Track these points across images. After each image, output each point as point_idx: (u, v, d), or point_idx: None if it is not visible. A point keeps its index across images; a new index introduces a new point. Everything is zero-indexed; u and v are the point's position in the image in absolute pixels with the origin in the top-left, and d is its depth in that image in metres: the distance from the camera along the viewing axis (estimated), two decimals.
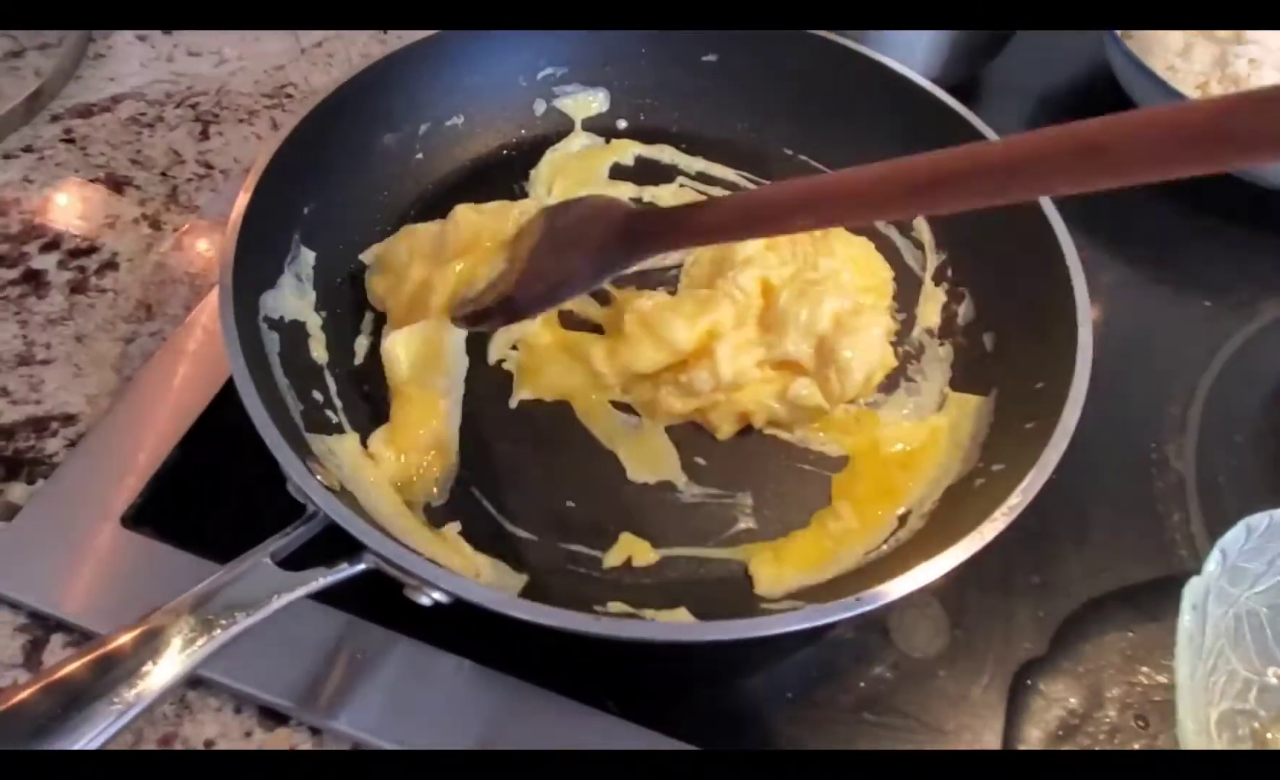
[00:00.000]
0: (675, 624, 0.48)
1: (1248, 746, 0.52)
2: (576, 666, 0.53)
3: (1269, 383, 0.72)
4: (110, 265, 0.73)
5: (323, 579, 0.48)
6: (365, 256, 0.70)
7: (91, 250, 0.74)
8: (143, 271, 0.73)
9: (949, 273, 0.72)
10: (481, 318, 0.61)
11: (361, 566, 0.49)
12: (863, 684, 0.55)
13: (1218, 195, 0.82)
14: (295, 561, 0.49)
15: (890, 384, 0.67)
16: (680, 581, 0.57)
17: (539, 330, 0.67)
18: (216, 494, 0.60)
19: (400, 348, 0.63)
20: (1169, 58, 0.85)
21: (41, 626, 0.55)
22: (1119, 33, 0.86)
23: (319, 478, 0.52)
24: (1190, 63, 0.83)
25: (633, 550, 0.57)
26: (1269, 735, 0.52)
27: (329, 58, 0.92)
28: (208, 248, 0.74)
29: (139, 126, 0.84)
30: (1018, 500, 0.50)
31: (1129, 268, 0.81)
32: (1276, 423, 0.69)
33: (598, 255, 0.57)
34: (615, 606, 0.53)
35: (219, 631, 0.44)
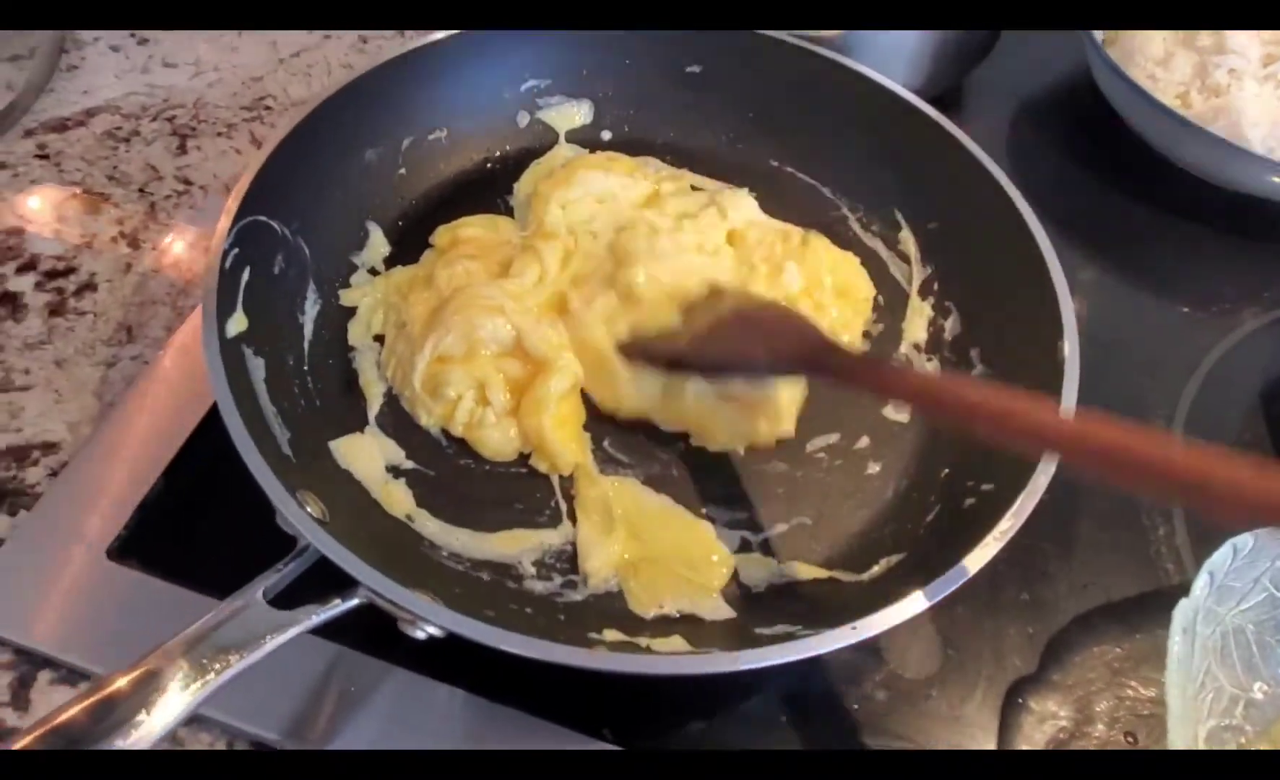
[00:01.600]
0: (670, 658, 0.48)
1: None
2: (571, 693, 0.53)
3: (1251, 392, 0.72)
4: (89, 286, 0.72)
5: (316, 616, 0.47)
6: (345, 299, 0.69)
7: (69, 271, 0.73)
8: (122, 292, 0.71)
9: (935, 287, 0.73)
10: (647, 358, 0.62)
11: (355, 601, 0.48)
12: (856, 706, 0.55)
13: (1198, 203, 0.83)
14: (288, 596, 0.49)
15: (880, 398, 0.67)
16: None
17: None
18: (203, 524, 0.59)
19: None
20: (1149, 67, 0.85)
21: (28, 662, 0.54)
22: (1100, 41, 0.86)
23: (309, 509, 0.52)
24: (1170, 72, 0.84)
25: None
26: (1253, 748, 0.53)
27: (308, 69, 0.90)
28: (189, 267, 0.73)
29: (115, 141, 0.82)
30: (1009, 525, 0.51)
31: (1111, 274, 0.81)
32: (1259, 433, 0.70)
33: (778, 361, 0.59)
34: (610, 634, 0.53)
35: (213, 674, 0.44)
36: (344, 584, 0.48)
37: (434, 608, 0.47)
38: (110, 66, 0.89)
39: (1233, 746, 0.53)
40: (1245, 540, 0.52)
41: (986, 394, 0.53)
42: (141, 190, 0.79)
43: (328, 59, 0.91)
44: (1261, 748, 0.53)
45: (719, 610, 0.56)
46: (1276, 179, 0.77)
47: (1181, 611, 0.49)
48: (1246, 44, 0.81)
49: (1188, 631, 0.49)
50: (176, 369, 0.66)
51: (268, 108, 0.87)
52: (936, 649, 0.57)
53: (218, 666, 0.44)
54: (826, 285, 0.71)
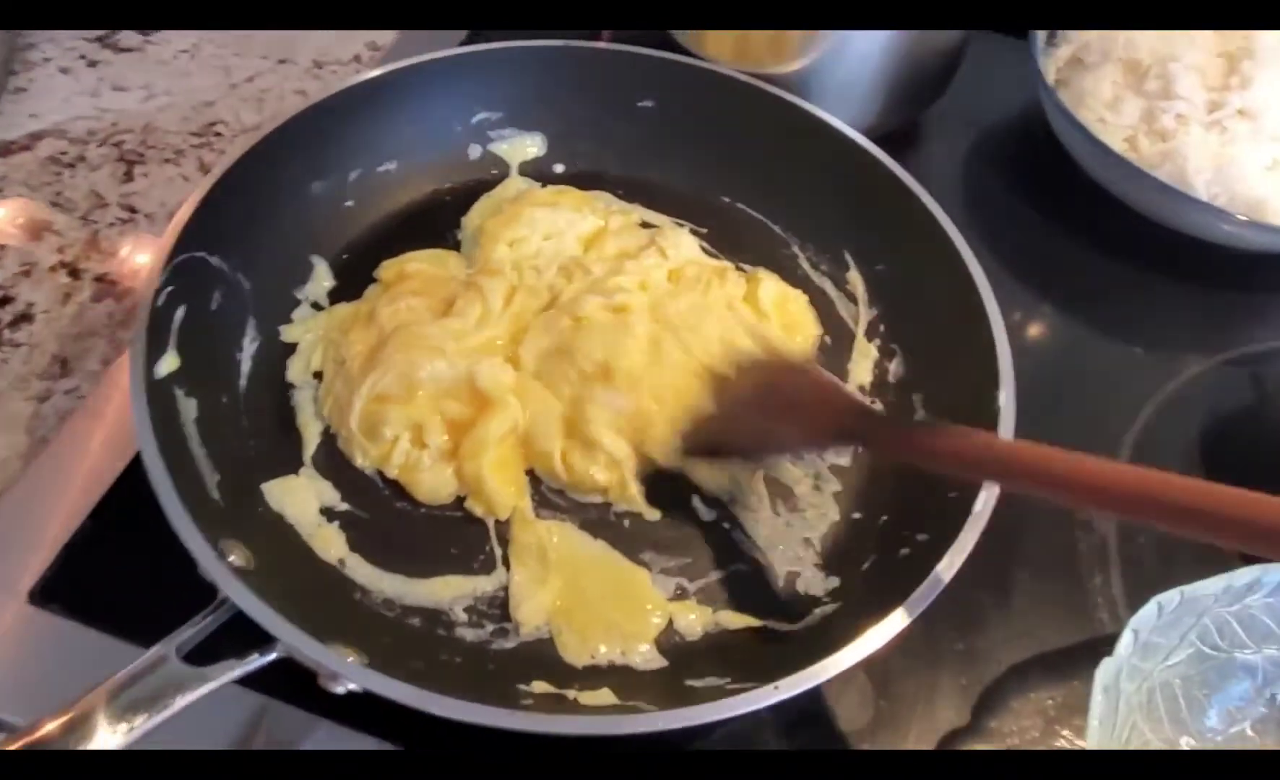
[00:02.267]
0: (596, 719, 0.48)
1: None
2: (501, 743, 0.53)
3: (1191, 438, 0.73)
4: (25, 317, 0.71)
5: (231, 672, 0.47)
6: (286, 336, 0.68)
7: (6, 301, 0.71)
8: (60, 324, 0.70)
9: (882, 329, 0.73)
10: (699, 452, 0.62)
11: (273, 655, 0.48)
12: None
13: (1147, 245, 0.84)
14: (209, 647, 0.48)
15: None
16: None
17: None
18: (129, 569, 0.58)
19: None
20: (1099, 109, 0.86)
21: None
22: (1052, 83, 0.87)
23: (232, 558, 0.51)
24: (1119, 115, 0.85)
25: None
26: None
27: (261, 94, 0.90)
28: (129, 300, 0.72)
29: (59, 166, 0.81)
30: (939, 580, 0.51)
31: (1060, 314, 0.82)
32: (1197, 475, 0.70)
33: (813, 435, 0.60)
34: (539, 686, 0.53)
35: (121, 735, 0.43)
36: (264, 637, 0.48)
37: (352, 667, 0.46)
38: (59, 89, 0.88)
39: None
40: (1171, 596, 0.52)
41: (1034, 457, 0.49)
42: (85, 218, 0.78)
43: (282, 85, 0.91)
44: None
45: (652, 660, 0.56)
46: (1222, 225, 0.78)
47: (1103, 670, 0.49)
48: (1192, 89, 0.82)
49: (1109, 689, 0.49)
50: (111, 405, 0.65)
51: (218, 134, 0.86)
52: (870, 698, 0.57)
53: (125, 726, 0.43)
54: (773, 321, 0.71)
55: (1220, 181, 0.79)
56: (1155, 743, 0.53)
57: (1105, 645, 0.60)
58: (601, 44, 0.81)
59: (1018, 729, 0.58)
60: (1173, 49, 0.84)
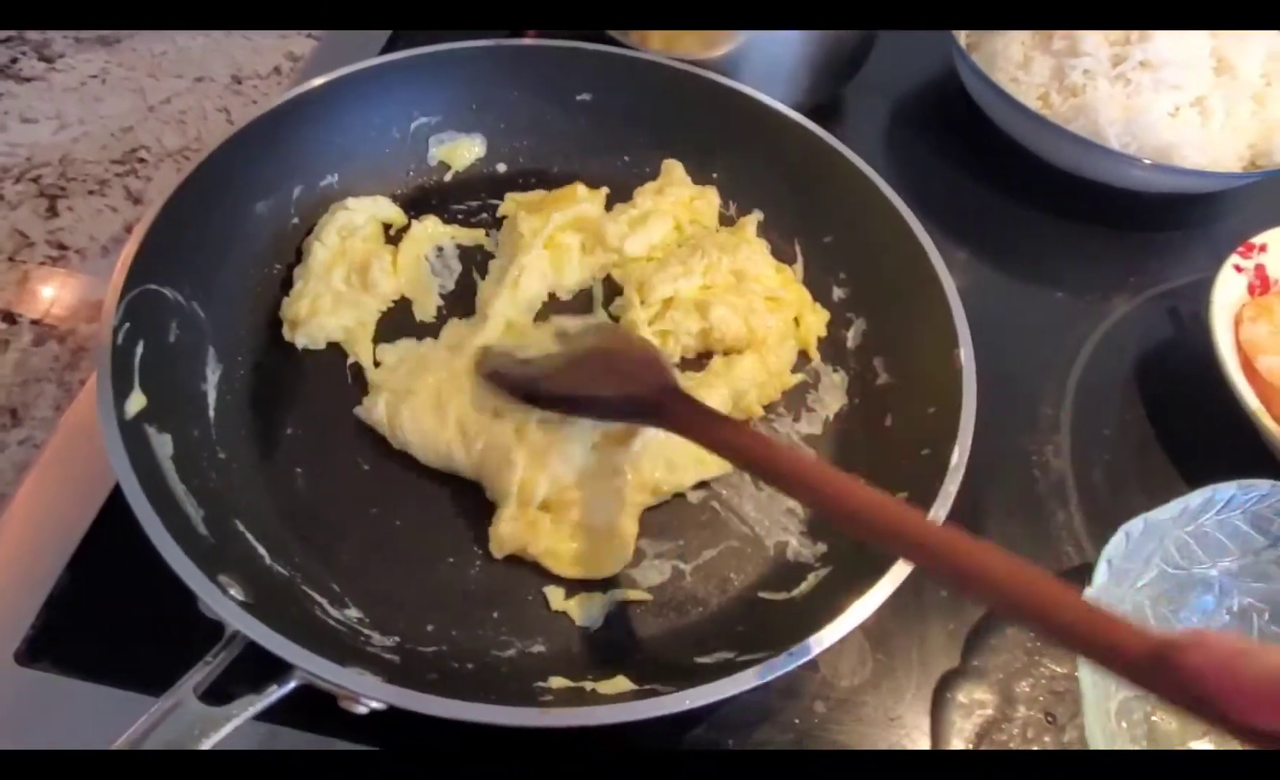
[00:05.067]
0: (623, 705, 0.49)
1: (1143, 730, 0.56)
2: (511, 744, 0.53)
3: (1128, 372, 0.78)
4: None
5: (252, 708, 0.46)
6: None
7: None
8: (2, 372, 0.67)
9: (835, 298, 0.75)
10: (506, 386, 0.62)
11: (292, 684, 0.47)
12: (798, 720, 0.57)
13: (1064, 196, 0.88)
14: (218, 687, 0.47)
15: (793, 412, 0.69)
16: (610, 641, 0.58)
17: None
18: (116, 616, 0.57)
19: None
20: (1011, 70, 0.90)
21: None
22: (965, 47, 0.91)
23: (233, 593, 0.50)
24: (1030, 75, 0.89)
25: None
26: (1155, 717, 0.58)
27: (181, 115, 0.87)
28: (74, 339, 0.70)
29: None
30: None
31: (989, 269, 0.86)
32: (1138, 412, 0.75)
33: (620, 401, 0.59)
34: (556, 682, 0.53)
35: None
36: (279, 668, 0.47)
37: (378, 685, 0.46)
38: None
39: (1139, 715, 0.57)
40: (1136, 524, 0.56)
41: (826, 479, 0.50)
42: (12, 260, 0.74)
43: (202, 104, 0.88)
44: (1161, 714, 0.58)
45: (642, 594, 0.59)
46: (1135, 172, 0.83)
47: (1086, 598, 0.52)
48: (1097, 46, 0.87)
49: None
50: (71, 450, 0.63)
51: (141, 160, 0.83)
52: (867, 654, 0.60)
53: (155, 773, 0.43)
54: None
55: (1130, 131, 0.84)
56: None
57: (1074, 576, 0.65)
58: (536, 41, 0.81)
59: (1004, 664, 0.61)
60: None
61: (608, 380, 0.60)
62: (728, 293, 0.72)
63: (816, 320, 0.74)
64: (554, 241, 0.74)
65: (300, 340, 0.68)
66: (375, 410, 0.63)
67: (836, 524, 0.52)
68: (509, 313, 0.69)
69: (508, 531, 0.59)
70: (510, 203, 0.79)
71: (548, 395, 0.62)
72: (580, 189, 0.78)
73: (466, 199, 0.80)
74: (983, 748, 0.58)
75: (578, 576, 0.59)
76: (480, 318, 0.69)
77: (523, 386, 0.62)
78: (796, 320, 0.74)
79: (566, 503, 0.61)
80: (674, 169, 0.81)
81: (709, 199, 0.80)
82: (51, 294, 0.72)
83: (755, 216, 0.80)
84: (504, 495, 0.60)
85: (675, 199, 0.78)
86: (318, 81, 0.73)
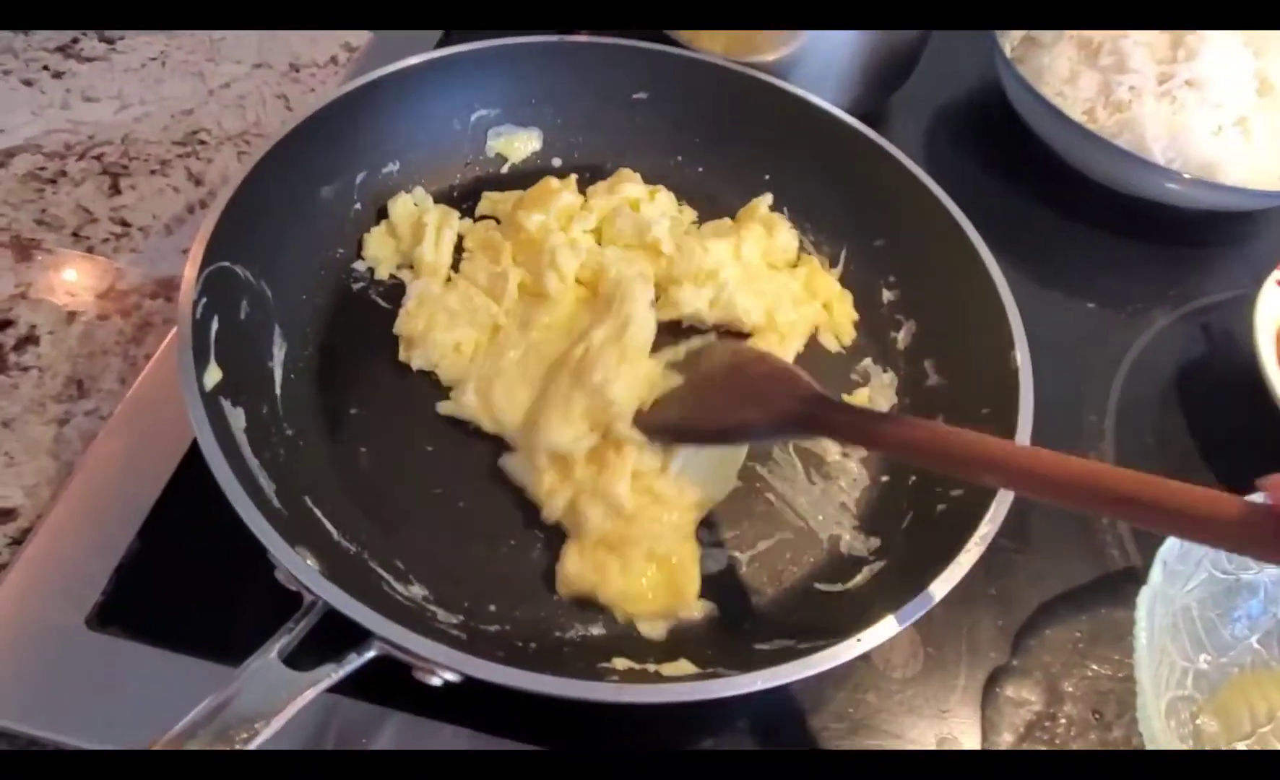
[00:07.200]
0: (696, 684, 0.50)
1: (1189, 729, 0.57)
2: (570, 721, 0.54)
3: (1168, 383, 0.79)
4: (30, 339, 0.68)
5: (334, 674, 0.47)
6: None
7: (6, 324, 0.69)
8: (68, 344, 0.68)
9: (885, 299, 0.76)
10: (659, 434, 0.62)
11: (371, 654, 0.48)
12: (852, 710, 0.58)
13: (1105, 209, 0.90)
14: (296, 655, 0.48)
15: None
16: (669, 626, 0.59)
17: None
18: (186, 582, 0.58)
19: None
20: (1057, 85, 0.91)
21: (9, 746, 0.52)
22: (1012, 60, 0.92)
23: (311, 562, 0.51)
24: (1077, 89, 0.90)
25: None
26: (1201, 719, 0.59)
27: (240, 99, 0.88)
28: (138, 314, 0.71)
29: (39, 183, 0.78)
30: (988, 530, 0.54)
31: (1029, 280, 0.85)
32: (1178, 421, 0.77)
33: (773, 421, 0.59)
34: (620, 663, 0.54)
35: (239, 745, 0.43)
36: (356, 637, 0.48)
37: (458, 656, 0.47)
38: (25, 102, 0.84)
39: (1185, 714, 0.58)
40: None
41: (990, 444, 0.50)
42: (76, 235, 0.75)
43: (261, 90, 0.89)
44: (1206, 715, 0.59)
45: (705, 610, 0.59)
46: (1177, 187, 0.84)
47: (1144, 598, 0.54)
48: (1144, 63, 0.88)
49: (1150, 615, 0.53)
50: (139, 423, 0.64)
51: (202, 141, 0.84)
52: (918, 647, 0.61)
53: (243, 736, 0.43)
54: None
55: (1175, 147, 0.85)
56: (1180, 662, 0.58)
57: (1120, 579, 0.66)
58: (596, 38, 0.82)
59: (1051, 662, 0.62)
60: None
61: (752, 403, 0.60)
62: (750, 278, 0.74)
63: (844, 307, 0.75)
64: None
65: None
66: (465, 397, 0.65)
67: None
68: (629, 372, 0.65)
69: (574, 571, 0.59)
70: (486, 202, 0.79)
71: (694, 434, 0.62)
72: (553, 182, 0.77)
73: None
74: (1030, 743, 0.58)
75: (656, 615, 0.59)
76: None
77: (674, 433, 0.62)
78: (826, 308, 0.75)
79: (628, 539, 0.59)
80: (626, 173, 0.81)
81: (782, 230, 0.79)
82: (116, 269, 0.73)
83: (766, 198, 0.80)
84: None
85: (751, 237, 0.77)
86: (384, 70, 0.75)
